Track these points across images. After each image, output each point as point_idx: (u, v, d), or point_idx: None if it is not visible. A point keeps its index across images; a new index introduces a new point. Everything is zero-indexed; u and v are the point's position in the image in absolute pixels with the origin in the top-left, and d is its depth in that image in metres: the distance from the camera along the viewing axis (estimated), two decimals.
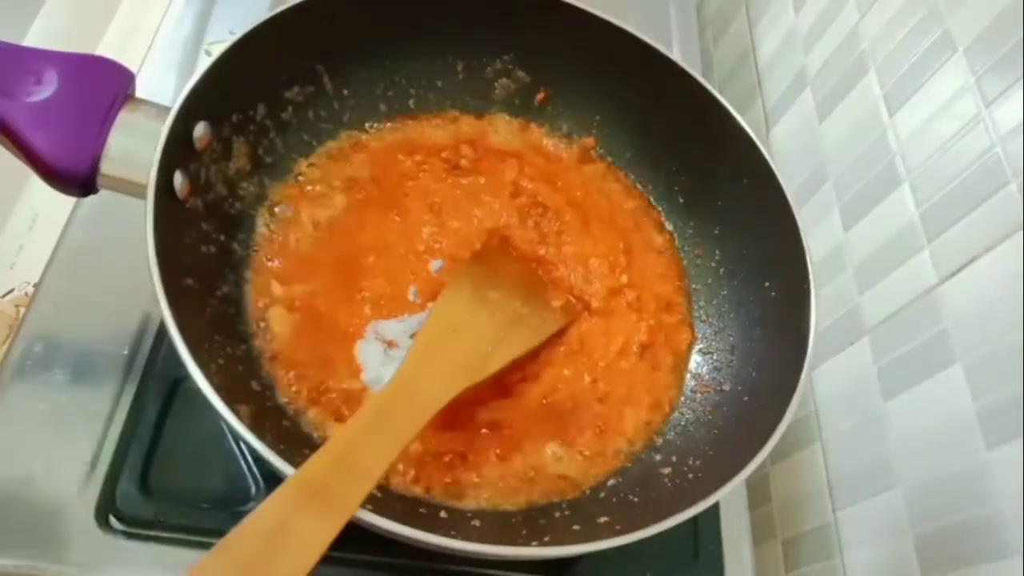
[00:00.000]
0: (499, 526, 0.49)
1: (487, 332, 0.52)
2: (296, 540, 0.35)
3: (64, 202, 0.57)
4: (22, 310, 0.81)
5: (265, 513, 0.36)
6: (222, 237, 0.53)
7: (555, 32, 0.62)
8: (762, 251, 0.58)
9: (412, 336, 0.53)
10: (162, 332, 0.58)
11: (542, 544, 0.43)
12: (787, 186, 0.55)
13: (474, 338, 0.51)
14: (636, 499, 0.50)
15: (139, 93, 0.48)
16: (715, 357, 0.58)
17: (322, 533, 0.36)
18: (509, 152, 0.65)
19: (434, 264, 0.58)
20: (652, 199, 0.66)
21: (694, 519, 0.42)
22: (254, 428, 0.39)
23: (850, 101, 0.66)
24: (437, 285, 0.56)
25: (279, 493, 0.37)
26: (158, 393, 0.55)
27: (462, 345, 0.50)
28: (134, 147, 0.45)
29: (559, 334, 0.57)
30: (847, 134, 0.66)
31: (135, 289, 0.58)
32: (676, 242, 0.64)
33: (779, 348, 0.53)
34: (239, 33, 0.51)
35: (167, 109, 0.46)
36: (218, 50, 0.49)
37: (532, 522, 0.49)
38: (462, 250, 0.59)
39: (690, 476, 0.50)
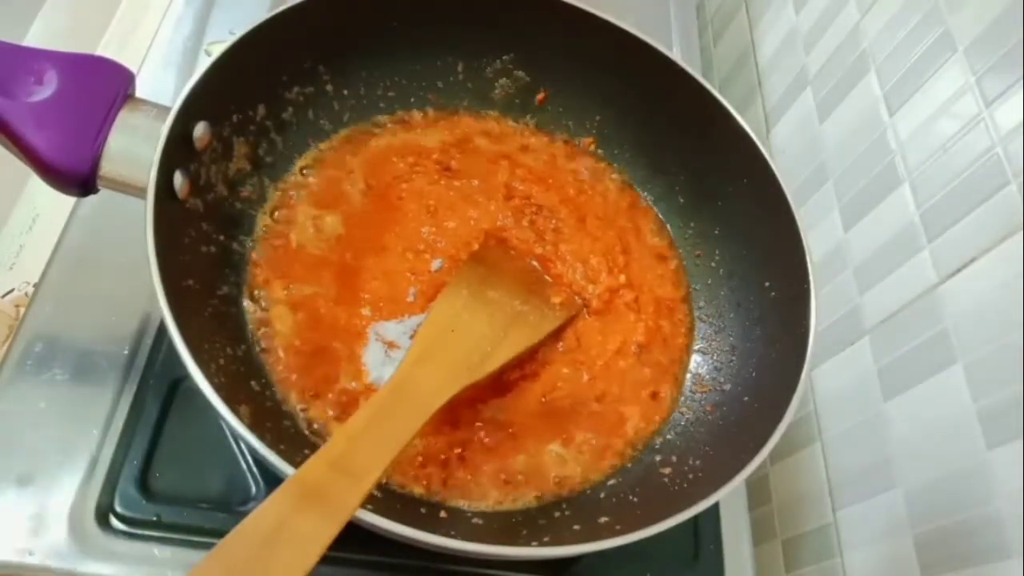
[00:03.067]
0: (499, 526, 0.49)
1: (486, 331, 0.52)
2: (295, 541, 0.35)
3: (64, 202, 0.57)
4: (22, 310, 0.81)
5: (263, 515, 0.36)
6: (222, 237, 0.53)
7: (555, 32, 0.62)
8: (762, 251, 0.58)
9: (412, 337, 0.53)
10: (162, 332, 0.58)
11: (542, 544, 0.43)
12: (787, 186, 0.55)
13: (473, 337, 0.51)
14: (636, 499, 0.50)
15: (139, 93, 0.48)
16: (715, 357, 0.58)
17: (321, 534, 0.36)
18: (501, 154, 0.65)
19: (433, 265, 0.58)
20: (652, 199, 0.66)
21: (694, 519, 0.42)
22: (254, 428, 0.39)
23: (850, 101, 0.66)
24: (436, 286, 0.56)
25: (277, 495, 0.37)
26: (158, 393, 0.55)
27: (461, 344, 0.50)
28: (134, 147, 0.45)
29: (559, 331, 0.57)
30: (847, 134, 0.66)
31: (135, 289, 0.58)
32: (675, 242, 0.64)
33: (779, 348, 0.53)
34: (239, 33, 0.50)
35: (167, 109, 0.46)
36: (218, 50, 0.49)
37: (532, 522, 0.49)
38: (460, 251, 0.59)
39: (690, 476, 0.50)
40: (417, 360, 0.48)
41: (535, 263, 0.60)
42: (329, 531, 0.36)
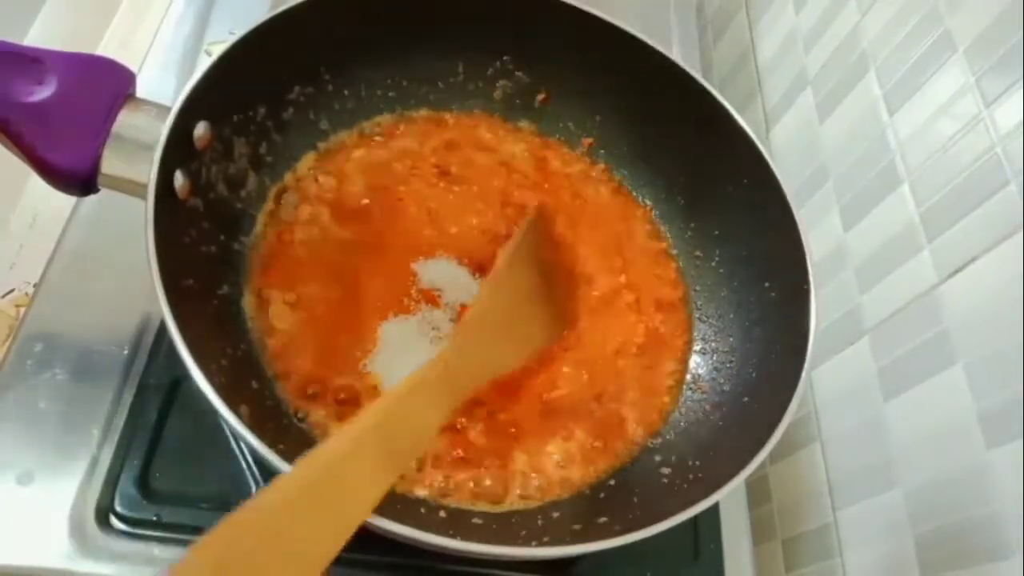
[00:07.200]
0: (499, 526, 0.49)
1: (525, 324, 0.52)
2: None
3: (64, 202, 0.57)
4: (22, 310, 0.81)
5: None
6: (223, 237, 0.53)
7: (555, 33, 0.62)
8: (762, 251, 0.58)
9: (413, 336, 0.54)
10: (162, 332, 0.58)
11: (542, 544, 0.43)
12: (787, 186, 0.55)
13: (515, 330, 0.51)
14: (636, 499, 0.50)
15: (139, 93, 0.48)
16: (715, 357, 0.58)
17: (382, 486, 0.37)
18: (499, 160, 0.65)
19: (432, 265, 0.58)
20: (652, 200, 0.66)
21: (694, 519, 0.42)
22: (254, 428, 0.39)
23: (850, 101, 0.66)
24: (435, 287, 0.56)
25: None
26: (158, 393, 0.55)
27: (505, 334, 0.50)
28: (134, 147, 0.45)
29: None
30: (847, 134, 0.66)
31: (135, 289, 0.58)
32: (675, 243, 0.64)
33: (779, 348, 0.53)
34: (239, 33, 0.51)
35: (167, 109, 0.46)
36: (218, 50, 0.49)
37: (532, 522, 0.49)
38: (462, 254, 0.59)
39: (690, 476, 0.50)
40: (465, 341, 0.48)
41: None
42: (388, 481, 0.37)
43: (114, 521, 0.51)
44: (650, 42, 0.60)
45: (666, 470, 0.52)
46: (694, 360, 0.59)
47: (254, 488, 0.53)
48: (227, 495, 0.52)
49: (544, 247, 0.58)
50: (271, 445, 0.39)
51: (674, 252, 0.64)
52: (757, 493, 0.69)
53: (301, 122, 0.59)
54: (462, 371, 0.45)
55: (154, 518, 0.51)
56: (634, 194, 0.66)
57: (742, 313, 0.58)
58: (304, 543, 0.33)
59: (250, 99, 0.55)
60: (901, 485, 0.53)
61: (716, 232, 0.62)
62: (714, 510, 0.59)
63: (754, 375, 0.54)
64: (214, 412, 0.39)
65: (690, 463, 0.51)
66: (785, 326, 0.53)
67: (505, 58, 0.65)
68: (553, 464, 0.52)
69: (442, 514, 0.48)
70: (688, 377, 0.58)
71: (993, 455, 0.46)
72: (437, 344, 0.54)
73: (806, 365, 0.48)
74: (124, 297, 0.59)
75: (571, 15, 0.60)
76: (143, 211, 0.43)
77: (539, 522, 0.49)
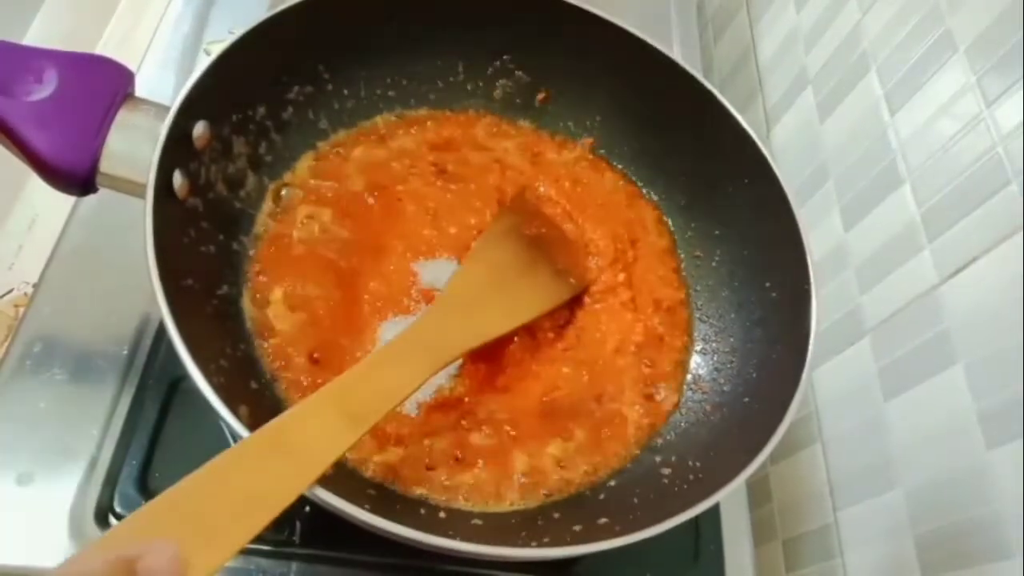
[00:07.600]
0: (498, 527, 0.48)
1: (516, 292, 0.54)
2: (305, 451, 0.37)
3: (64, 202, 0.57)
4: (21, 310, 0.81)
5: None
6: (222, 237, 0.52)
7: (555, 32, 0.62)
8: (763, 251, 0.57)
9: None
10: (161, 332, 0.58)
11: (542, 545, 0.43)
12: (787, 186, 0.55)
13: (494, 302, 0.53)
14: (636, 500, 0.50)
15: (138, 92, 0.48)
16: (715, 358, 0.58)
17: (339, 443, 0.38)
18: (496, 158, 0.65)
19: (432, 265, 0.57)
20: (652, 199, 0.66)
21: (695, 519, 0.42)
22: (253, 428, 0.39)
23: (851, 101, 0.66)
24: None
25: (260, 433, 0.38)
26: (157, 393, 0.55)
27: (483, 305, 0.52)
28: (134, 146, 0.45)
29: (559, 314, 0.58)
30: (848, 134, 0.66)
31: (135, 289, 0.58)
32: (676, 243, 0.64)
33: (780, 349, 0.53)
34: (238, 32, 0.50)
35: (166, 108, 0.46)
36: (217, 49, 0.49)
37: (531, 523, 0.49)
38: (461, 253, 0.59)
39: (690, 477, 0.50)
40: (440, 314, 0.49)
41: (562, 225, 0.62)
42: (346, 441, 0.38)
43: (113, 521, 0.51)
44: (651, 41, 0.60)
45: (666, 471, 0.52)
46: (695, 360, 0.59)
47: None
48: None
49: (527, 224, 0.59)
50: None
51: (675, 252, 0.64)
52: (758, 494, 0.68)
53: (300, 122, 0.59)
54: (437, 338, 0.47)
55: None
56: (639, 190, 0.66)
57: (743, 314, 0.58)
58: (256, 494, 0.35)
59: (249, 98, 0.55)
60: (902, 485, 0.53)
61: (716, 232, 0.62)
62: (715, 511, 0.59)
63: (755, 375, 0.54)
64: (213, 412, 0.39)
65: (690, 464, 0.51)
66: (786, 326, 0.52)
67: (505, 58, 0.65)
68: (553, 465, 0.52)
69: (442, 514, 0.48)
70: (689, 377, 0.58)
71: (993, 455, 0.46)
72: None
73: (807, 365, 0.48)
74: (124, 297, 0.59)
75: (571, 14, 0.60)
76: (142, 211, 0.43)
77: (539, 523, 0.49)
